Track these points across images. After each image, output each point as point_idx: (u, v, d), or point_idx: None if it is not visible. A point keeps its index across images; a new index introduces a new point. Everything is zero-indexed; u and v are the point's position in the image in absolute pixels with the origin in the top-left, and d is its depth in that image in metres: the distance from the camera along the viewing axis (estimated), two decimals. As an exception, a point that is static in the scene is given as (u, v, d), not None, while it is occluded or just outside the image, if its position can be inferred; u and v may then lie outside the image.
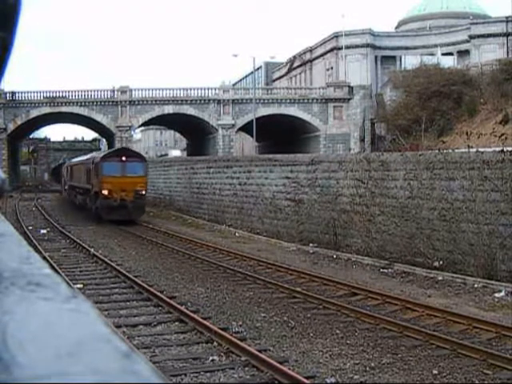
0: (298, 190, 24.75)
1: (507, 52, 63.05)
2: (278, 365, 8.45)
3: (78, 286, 14.20)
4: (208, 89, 60.02)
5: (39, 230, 26.94)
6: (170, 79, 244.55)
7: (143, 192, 30.65)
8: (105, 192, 29.48)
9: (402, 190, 19.23)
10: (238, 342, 9.59)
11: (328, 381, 8.29)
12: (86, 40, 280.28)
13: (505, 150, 16.21)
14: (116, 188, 29.35)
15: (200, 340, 10.10)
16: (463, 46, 66.96)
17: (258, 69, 76.02)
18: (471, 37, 65.99)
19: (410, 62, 60.81)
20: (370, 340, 10.24)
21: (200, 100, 58.48)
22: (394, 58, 69.73)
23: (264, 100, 58.67)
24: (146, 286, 14.12)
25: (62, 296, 0.69)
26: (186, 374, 8.46)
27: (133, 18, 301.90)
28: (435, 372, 8.66)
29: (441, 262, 17.22)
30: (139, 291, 13.98)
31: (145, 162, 31.88)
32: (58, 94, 58.09)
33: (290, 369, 8.45)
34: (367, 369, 8.77)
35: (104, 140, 77.42)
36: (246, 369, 8.68)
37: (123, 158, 30.21)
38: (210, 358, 9.09)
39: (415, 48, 69.07)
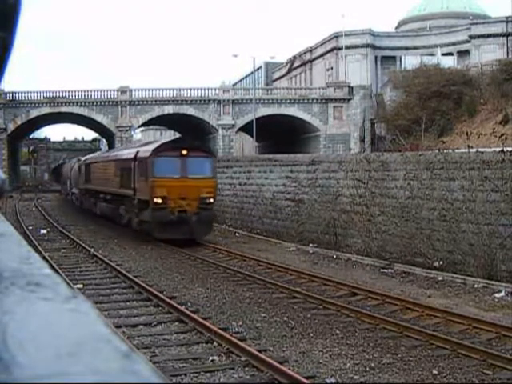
0: (298, 190, 24.76)
1: (507, 52, 63.05)
2: (277, 365, 8.45)
3: (78, 286, 14.20)
4: (208, 89, 60.02)
5: (39, 230, 26.94)
6: (170, 79, 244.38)
7: (211, 200, 22.35)
8: (158, 200, 21.47)
9: (402, 190, 19.24)
10: (238, 342, 9.59)
11: (328, 381, 8.29)
12: (86, 40, 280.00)
13: (505, 150, 16.22)
14: (174, 195, 21.49)
15: (200, 340, 10.10)
16: (463, 46, 66.97)
17: (257, 69, 76.02)
18: (471, 37, 65.99)
19: (410, 62, 60.81)
20: (370, 340, 10.24)
21: (200, 100, 58.49)
22: (394, 58, 69.74)
23: (264, 100, 58.66)
24: (145, 286, 14.12)
25: (62, 296, 0.69)
26: (186, 374, 8.46)
27: (133, 18, 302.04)
28: (435, 372, 8.66)
29: (441, 262, 17.23)
30: (139, 291, 13.98)
31: (213, 158, 23.75)
32: (58, 94, 58.08)
33: (290, 369, 8.45)
34: (367, 369, 8.77)
35: (104, 140, 77.46)
36: (246, 369, 8.68)
37: (183, 152, 21.96)
38: (210, 358, 9.09)
39: (415, 48, 69.07)
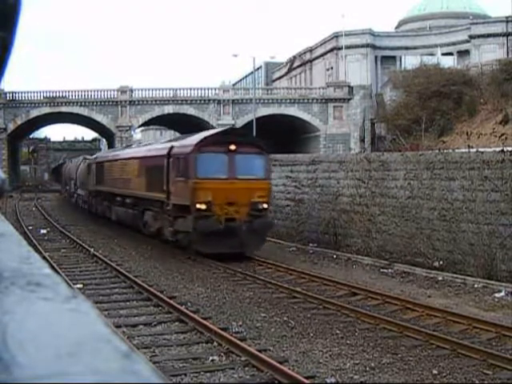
0: (298, 189, 24.75)
1: (507, 52, 63.07)
2: (277, 365, 8.44)
3: (78, 286, 14.20)
4: (208, 89, 60.04)
5: (39, 230, 26.94)
6: (170, 79, 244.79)
7: (264, 206, 18.85)
8: (201, 206, 17.95)
9: (403, 190, 19.25)
10: (238, 341, 9.59)
11: (328, 381, 8.29)
12: (86, 40, 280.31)
13: (505, 150, 16.23)
14: (220, 199, 18.05)
15: (200, 340, 10.10)
16: (463, 46, 67.00)
17: (257, 69, 76.05)
18: (471, 37, 66.02)
19: (410, 62, 60.86)
20: (370, 340, 10.24)
21: (200, 100, 58.51)
22: (394, 58, 69.77)
23: (264, 100, 58.68)
24: (145, 285, 14.12)
25: (62, 296, 0.69)
26: (186, 374, 8.46)
27: (133, 17, 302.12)
28: (435, 372, 8.66)
29: (441, 262, 17.23)
30: (139, 291, 13.98)
31: (266, 155, 19.56)
32: (58, 94, 58.12)
33: (289, 369, 8.45)
34: (367, 369, 8.77)
35: (104, 140, 77.49)
36: (246, 369, 8.68)
37: (232, 148, 18.44)
38: (210, 358, 9.09)
39: (415, 48, 69.11)
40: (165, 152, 20.22)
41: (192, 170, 18.20)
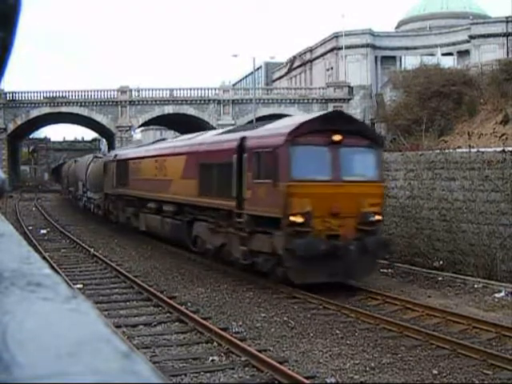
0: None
1: (507, 52, 63.07)
2: (277, 365, 8.44)
3: (78, 286, 14.21)
4: (208, 89, 60.07)
5: (39, 230, 26.95)
6: (170, 79, 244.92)
7: (378, 217, 14.07)
8: (297, 219, 13.15)
9: (403, 190, 19.25)
10: (238, 342, 9.59)
11: (328, 381, 8.29)
12: (86, 40, 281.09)
13: (505, 150, 16.25)
14: (321, 210, 13.28)
15: (200, 340, 10.10)
16: (463, 46, 67.00)
17: (257, 69, 76.05)
18: (471, 37, 66.03)
19: (410, 62, 60.84)
20: (370, 340, 10.24)
21: (200, 100, 58.52)
22: (394, 58, 69.77)
23: (264, 100, 58.70)
24: (145, 286, 14.12)
25: (62, 296, 0.69)
26: (186, 374, 8.45)
27: (133, 18, 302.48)
28: (435, 372, 8.66)
29: (441, 262, 17.24)
30: (139, 291, 13.98)
31: (379, 149, 15.05)
32: (58, 94, 58.15)
33: (289, 369, 8.45)
34: (367, 369, 8.77)
35: (104, 140, 77.52)
36: (246, 369, 8.68)
37: (335, 138, 13.64)
38: (210, 358, 9.09)
39: (415, 48, 69.10)
40: (234, 144, 15.42)
41: (284, 170, 13.35)
